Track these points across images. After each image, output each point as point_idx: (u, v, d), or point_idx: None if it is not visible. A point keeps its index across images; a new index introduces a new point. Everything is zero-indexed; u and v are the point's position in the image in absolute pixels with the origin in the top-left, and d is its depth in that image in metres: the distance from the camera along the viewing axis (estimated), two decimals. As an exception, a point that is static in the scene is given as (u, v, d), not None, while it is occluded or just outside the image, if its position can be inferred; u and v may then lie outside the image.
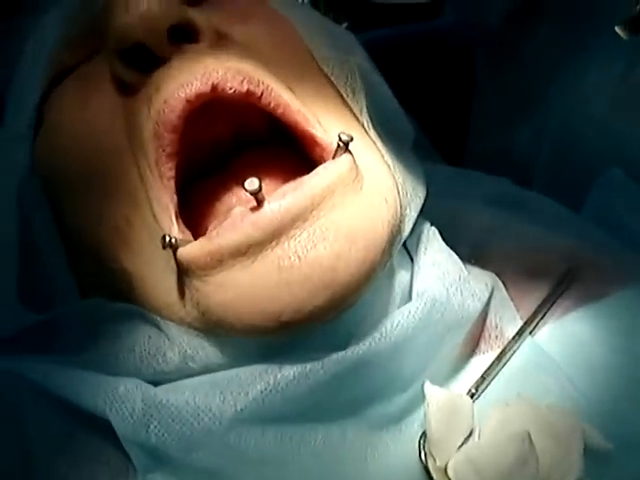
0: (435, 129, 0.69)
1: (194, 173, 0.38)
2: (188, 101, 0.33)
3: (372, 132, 0.40)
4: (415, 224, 0.41)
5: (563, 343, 0.42)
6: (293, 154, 0.38)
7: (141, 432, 0.33)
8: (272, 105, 0.35)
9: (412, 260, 0.42)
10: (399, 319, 0.36)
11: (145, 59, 0.34)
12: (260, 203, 0.32)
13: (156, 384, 0.35)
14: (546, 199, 0.54)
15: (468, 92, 0.70)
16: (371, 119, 0.40)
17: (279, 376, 0.33)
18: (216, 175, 0.38)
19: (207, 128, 0.38)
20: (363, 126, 0.39)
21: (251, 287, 0.31)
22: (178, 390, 0.34)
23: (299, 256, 0.31)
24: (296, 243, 0.31)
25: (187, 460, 0.33)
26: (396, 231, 0.35)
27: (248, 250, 0.31)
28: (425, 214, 0.43)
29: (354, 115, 0.39)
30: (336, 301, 0.32)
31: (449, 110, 0.73)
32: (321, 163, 0.35)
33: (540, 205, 0.53)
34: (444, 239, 0.44)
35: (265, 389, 0.33)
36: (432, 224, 0.45)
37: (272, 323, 0.32)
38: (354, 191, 0.34)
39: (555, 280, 0.45)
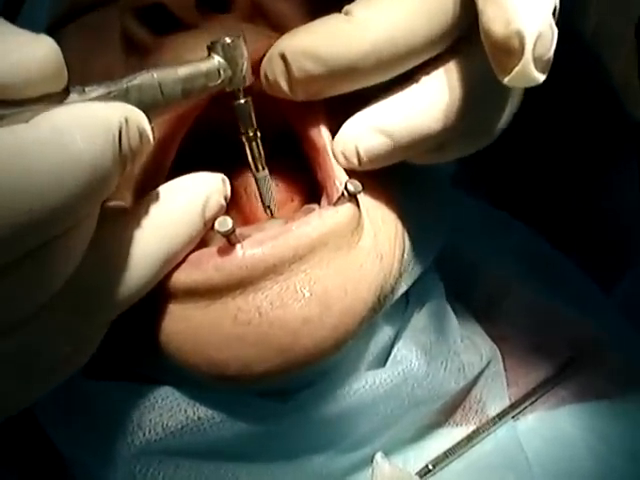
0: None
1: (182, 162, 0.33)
2: None
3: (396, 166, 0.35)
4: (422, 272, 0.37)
5: (546, 439, 0.38)
6: (298, 167, 0.34)
7: None
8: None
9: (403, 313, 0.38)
10: (361, 385, 0.32)
11: (161, 20, 0.30)
12: (233, 244, 0.28)
13: None
14: (576, 270, 0.48)
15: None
16: None
17: (205, 414, 0.31)
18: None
19: (214, 115, 0.33)
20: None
21: (201, 328, 0.28)
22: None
23: (260, 312, 0.27)
24: (262, 297, 0.27)
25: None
26: (385, 295, 0.31)
27: (206, 293, 0.28)
28: (442, 257, 0.39)
29: None
30: (290, 367, 0.28)
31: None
32: (325, 188, 0.31)
33: (567, 274, 0.48)
34: (455, 286, 0.41)
35: (185, 425, 0.31)
36: (445, 270, 0.41)
37: (216, 373, 0.28)
38: (348, 246, 0.29)
39: (557, 364, 0.41)
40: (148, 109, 0.25)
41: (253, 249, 0.27)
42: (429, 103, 0.28)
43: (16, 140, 0.19)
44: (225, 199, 0.28)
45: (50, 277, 0.22)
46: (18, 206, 0.19)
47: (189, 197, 0.27)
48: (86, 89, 0.24)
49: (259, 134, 0.30)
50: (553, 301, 0.44)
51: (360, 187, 0.29)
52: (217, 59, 0.28)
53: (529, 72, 0.23)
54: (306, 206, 0.33)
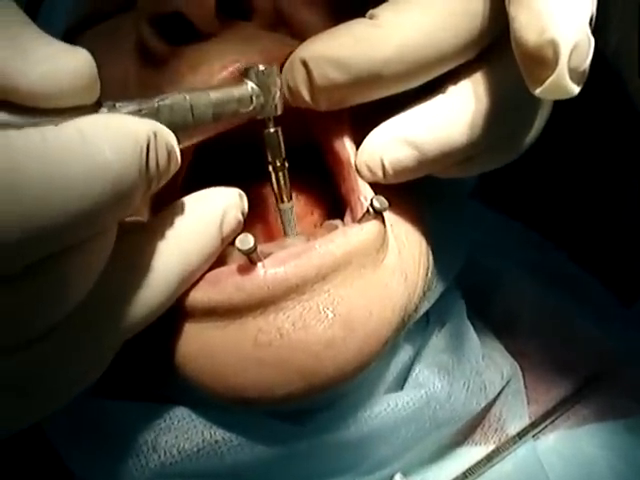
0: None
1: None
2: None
3: (421, 182, 0.32)
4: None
5: (567, 459, 0.37)
6: (318, 179, 0.33)
7: None
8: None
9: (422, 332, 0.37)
10: (383, 408, 0.31)
11: (178, 29, 0.29)
12: (254, 263, 0.27)
13: None
14: (596, 284, 0.47)
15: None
16: None
17: (222, 437, 0.30)
18: None
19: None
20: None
21: (219, 349, 0.27)
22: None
23: (282, 333, 0.26)
24: (284, 317, 0.26)
25: None
26: (409, 315, 0.30)
27: (225, 313, 0.27)
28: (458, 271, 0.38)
29: None
30: (312, 391, 0.27)
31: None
32: (349, 203, 0.30)
33: (588, 289, 0.47)
34: (472, 301, 0.40)
35: (202, 448, 0.30)
36: (460, 284, 0.40)
37: (234, 397, 0.27)
38: (373, 264, 0.28)
39: (578, 381, 0.40)
40: (178, 130, 0.24)
41: (275, 268, 0.26)
42: (458, 114, 0.27)
43: (44, 142, 0.19)
44: (243, 214, 0.27)
45: (66, 294, 0.21)
46: (39, 208, 0.18)
47: (206, 213, 0.26)
48: (117, 104, 0.23)
49: (287, 164, 0.29)
50: (573, 316, 0.43)
51: (386, 204, 0.28)
52: (250, 85, 0.27)
53: (564, 84, 0.22)
54: (328, 222, 0.32)
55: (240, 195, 0.27)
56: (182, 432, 0.31)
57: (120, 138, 0.20)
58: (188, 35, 0.29)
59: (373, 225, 0.28)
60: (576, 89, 0.22)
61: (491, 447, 0.37)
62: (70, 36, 0.33)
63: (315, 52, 0.26)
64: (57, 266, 0.20)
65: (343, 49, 0.26)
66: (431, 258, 0.32)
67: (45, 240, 0.19)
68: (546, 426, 0.38)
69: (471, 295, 0.41)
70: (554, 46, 0.21)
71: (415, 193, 0.31)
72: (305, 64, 0.27)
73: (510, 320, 0.43)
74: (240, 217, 0.27)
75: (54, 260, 0.20)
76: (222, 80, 0.28)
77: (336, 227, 0.30)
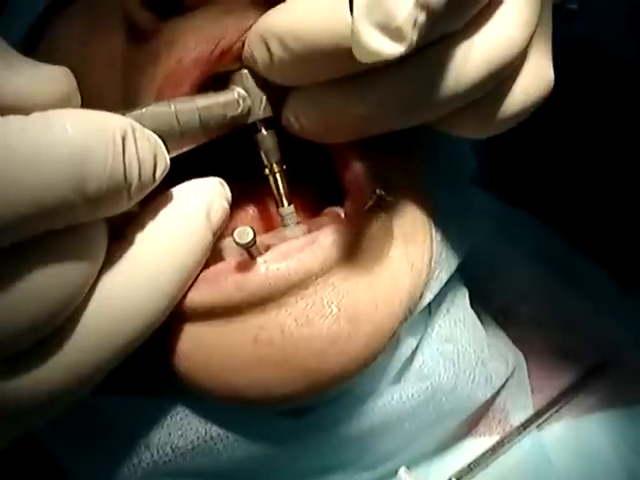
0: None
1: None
2: (208, 63, 0.26)
3: (424, 169, 0.31)
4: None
5: (573, 449, 0.36)
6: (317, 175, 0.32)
7: None
8: None
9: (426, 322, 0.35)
10: (387, 401, 0.30)
11: (167, 3, 0.27)
12: (253, 258, 0.25)
13: None
14: (597, 269, 0.46)
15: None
16: (429, 151, 0.32)
17: (217, 433, 0.29)
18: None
19: None
20: (414, 163, 0.31)
21: (217, 349, 0.26)
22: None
23: (284, 331, 0.25)
24: (286, 314, 0.25)
25: None
26: (414, 304, 0.29)
27: (224, 312, 0.25)
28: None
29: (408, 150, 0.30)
30: (315, 389, 0.26)
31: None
32: (350, 190, 0.28)
33: (588, 274, 0.46)
34: (471, 288, 0.39)
35: (197, 445, 0.29)
36: (464, 272, 0.39)
37: (232, 397, 0.26)
38: (379, 255, 0.27)
39: (582, 369, 0.39)
40: (165, 137, 0.24)
41: (277, 263, 0.25)
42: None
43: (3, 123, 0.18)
44: (227, 202, 0.26)
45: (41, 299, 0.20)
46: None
47: (191, 207, 0.24)
48: None
49: (284, 167, 0.28)
50: (575, 302, 0.42)
51: (387, 195, 0.26)
52: (236, 89, 0.26)
53: (363, 43, 0.19)
54: (329, 209, 0.30)
55: (221, 183, 0.26)
56: (175, 429, 0.29)
57: (86, 119, 0.19)
58: (175, 7, 0.27)
59: (377, 214, 0.27)
60: (389, 48, 0.19)
61: (495, 438, 0.37)
62: (55, 9, 0.31)
63: (269, 25, 0.24)
64: (26, 257, 0.19)
65: (297, 17, 0.23)
66: (435, 246, 0.31)
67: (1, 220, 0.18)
68: (550, 416, 0.38)
69: (470, 282, 0.40)
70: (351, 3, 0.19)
71: (419, 177, 0.30)
72: (261, 38, 0.24)
73: (509, 307, 0.42)
74: (226, 206, 0.26)
75: (21, 251, 0.19)
76: (194, 62, 0.26)
77: (337, 216, 0.28)
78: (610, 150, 0.53)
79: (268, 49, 0.24)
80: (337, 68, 0.23)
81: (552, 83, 0.27)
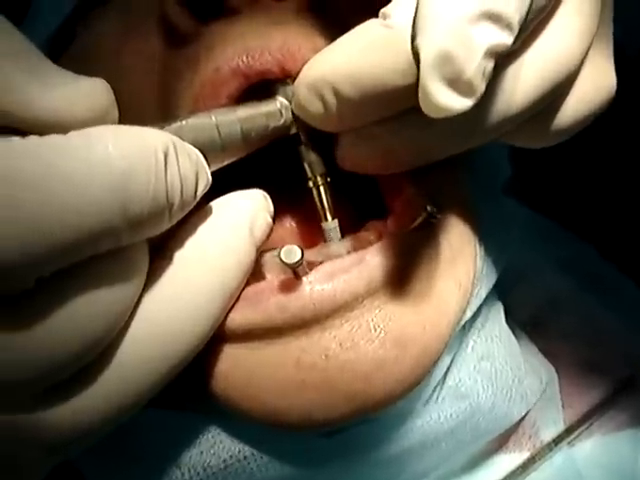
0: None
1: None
2: (246, 76, 0.25)
3: (467, 180, 0.30)
4: None
5: (606, 467, 0.35)
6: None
7: None
8: None
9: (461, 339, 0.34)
10: (425, 421, 0.29)
11: (205, 5, 0.26)
12: (298, 277, 0.24)
13: None
14: (627, 281, 0.45)
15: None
16: (469, 159, 0.30)
17: (251, 452, 0.28)
18: None
19: None
20: (459, 174, 0.30)
21: (257, 371, 0.25)
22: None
23: (328, 355, 0.24)
24: (330, 337, 0.24)
25: None
26: (458, 323, 0.28)
27: (265, 333, 0.25)
28: None
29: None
30: (358, 414, 0.25)
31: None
32: (394, 206, 0.27)
33: (618, 287, 0.45)
34: (503, 300, 0.38)
35: (229, 464, 0.28)
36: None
37: (272, 421, 0.25)
38: (426, 274, 0.26)
39: (612, 384, 0.38)
40: (206, 150, 0.23)
41: (322, 284, 0.24)
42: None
43: (42, 143, 0.18)
44: (270, 216, 0.25)
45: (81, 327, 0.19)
46: (37, 210, 0.17)
47: (235, 221, 0.23)
48: None
49: (329, 179, 0.27)
50: (606, 315, 0.41)
51: (437, 210, 0.25)
52: (279, 99, 0.26)
53: (430, 99, 0.18)
54: (371, 223, 0.29)
55: (264, 196, 0.25)
56: (208, 447, 0.28)
57: (127, 137, 0.19)
58: (217, 10, 0.26)
59: (426, 232, 0.26)
60: (458, 103, 0.19)
61: (525, 454, 0.36)
62: (89, 7, 0.30)
63: (321, 74, 0.23)
64: (69, 285, 0.19)
65: (349, 62, 0.22)
66: (479, 262, 0.30)
67: (47, 248, 0.17)
68: (581, 432, 0.37)
69: (498, 294, 0.40)
70: (417, 55, 0.18)
71: (464, 191, 0.29)
72: (312, 88, 0.24)
73: (539, 320, 0.41)
74: (270, 220, 0.25)
75: (64, 278, 0.18)
76: (231, 72, 0.26)
77: (381, 231, 0.27)
78: (630, 155, 0.52)
79: (321, 99, 0.23)
80: (393, 106, 0.23)
81: (614, 88, 0.26)
